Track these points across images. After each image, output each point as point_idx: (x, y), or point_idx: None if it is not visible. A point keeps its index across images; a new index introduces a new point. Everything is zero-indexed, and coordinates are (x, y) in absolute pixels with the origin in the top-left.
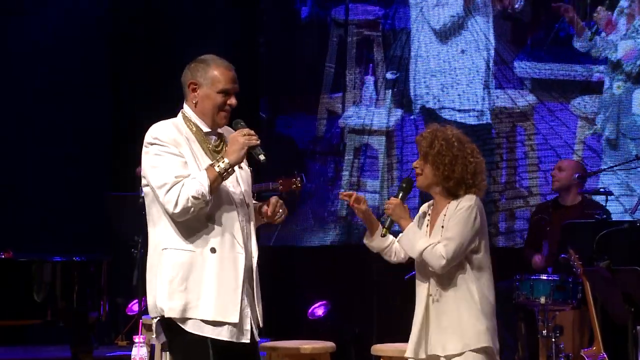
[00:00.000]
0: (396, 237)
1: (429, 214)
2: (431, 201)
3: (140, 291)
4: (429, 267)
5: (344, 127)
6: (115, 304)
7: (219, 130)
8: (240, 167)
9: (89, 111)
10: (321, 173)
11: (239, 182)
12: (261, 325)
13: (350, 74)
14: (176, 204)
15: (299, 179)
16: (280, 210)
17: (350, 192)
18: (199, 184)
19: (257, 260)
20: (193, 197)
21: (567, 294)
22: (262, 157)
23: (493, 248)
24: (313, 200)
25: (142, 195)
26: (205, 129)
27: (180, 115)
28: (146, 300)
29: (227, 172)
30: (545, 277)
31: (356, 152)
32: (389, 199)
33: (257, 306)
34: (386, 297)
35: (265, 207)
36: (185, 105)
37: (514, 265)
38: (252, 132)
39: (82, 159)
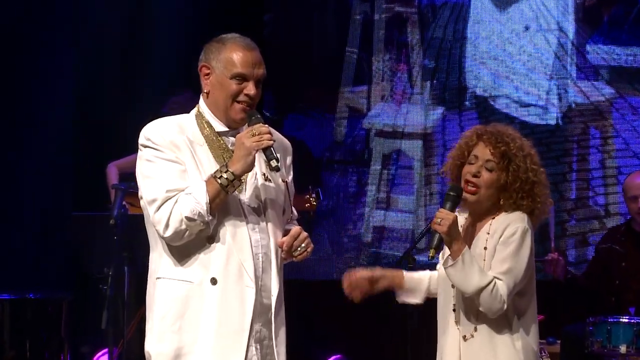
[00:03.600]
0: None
1: (461, 226)
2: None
3: (110, 338)
4: (481, 308)
5: (369, 129)
6: (79, 354)
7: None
8: (267, 179)
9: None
10: (341, 187)
11: (260, 196)
12: None
13: (377, 61)
14: (167, 226)
15: (313, 195)
16: (303, 245)
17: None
18: (194, 202)
19: (278, 298)
20: (187, 217)
21: None
22: (273, 162)
23: (560, 283)
24: (330, 221)
25: (114, 215)
26: (220, 127)
27: (194, 110)
28: (118, 350)
29: (232, 184)
30: (626, 320)
31: (385, 161)
32: (436, 213)
33: (277, 358)
34: (426, 349)
35: (282, 239)
36: (200, 98)
37: (586, 304)
38: (265, 129)
39: (44, 171)
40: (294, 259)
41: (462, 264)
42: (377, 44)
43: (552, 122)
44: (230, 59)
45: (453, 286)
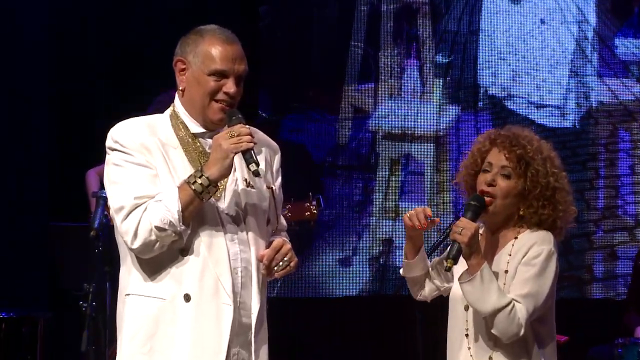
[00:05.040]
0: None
1: None
2: (481, 224)
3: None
4: (494, 331)
5: (376, 132)
6: None
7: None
8: (249, 185)
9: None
10: (345, 195)
11: (240, 204)
12: None
13: (385, 56)
14: (135, 236)
15: (314, 204)
16: (286, 259)
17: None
18: (165, 210)
19: (259, 316)
20: (157, 227)
21: None
22: (253, 166)
23: (586, 301)
24: (333, 232)
25: (95, 226)
26: (196, 128)
27: (168, 110)
28: None
29: (208, 190)
30: None
31: (393, 166)
32: (454, 222)
33: None
34: None
35: (262, 252)
36: (176, 96)
37: (614, 324)
38: (245, 129)
39: (18, 178)
40: (275, 274)
41: (480, 280)
42: (385, 37)
43: (577, 123)
44: (208, 53)
45: (466, 308)
